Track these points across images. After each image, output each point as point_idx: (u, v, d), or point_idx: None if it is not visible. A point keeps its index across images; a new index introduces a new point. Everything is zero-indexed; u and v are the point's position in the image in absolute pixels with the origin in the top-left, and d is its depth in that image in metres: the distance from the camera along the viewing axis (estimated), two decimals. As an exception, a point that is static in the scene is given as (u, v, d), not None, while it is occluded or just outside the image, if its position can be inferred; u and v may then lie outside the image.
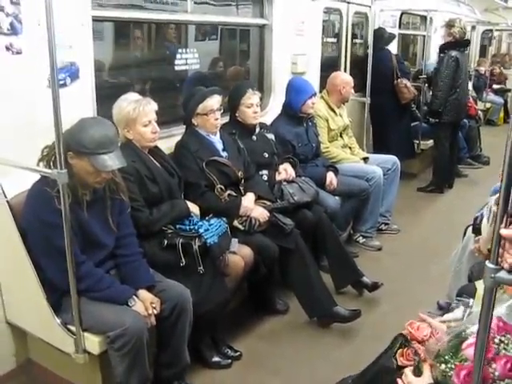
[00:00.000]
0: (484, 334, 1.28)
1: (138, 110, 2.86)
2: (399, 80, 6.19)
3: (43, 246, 2.39)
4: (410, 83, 6.60)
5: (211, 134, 3.37)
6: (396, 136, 6.21)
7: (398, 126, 6.35)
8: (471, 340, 1.48)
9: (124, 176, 2.70)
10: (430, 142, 6.77)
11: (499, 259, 1.22)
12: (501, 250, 1.22)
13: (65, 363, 2.61)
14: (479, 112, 8.48)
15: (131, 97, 2.94)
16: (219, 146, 3.40)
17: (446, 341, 1.58)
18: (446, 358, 1.53)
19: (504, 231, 1.21)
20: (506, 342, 1.47)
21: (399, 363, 1.86)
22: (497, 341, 1.46)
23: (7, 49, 2.53)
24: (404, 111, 6.46)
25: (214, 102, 3.30)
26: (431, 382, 1.58)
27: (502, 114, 11.01)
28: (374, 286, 3.73)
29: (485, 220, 2.63)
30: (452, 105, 6.00)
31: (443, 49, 6.06)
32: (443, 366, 1.52)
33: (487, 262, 1.22)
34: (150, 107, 2.92)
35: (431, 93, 6.38)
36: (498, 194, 1.39)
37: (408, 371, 1.70)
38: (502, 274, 1.21)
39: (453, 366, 1.51)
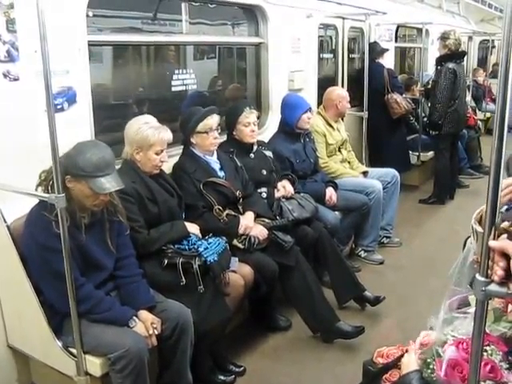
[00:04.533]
0: (478, 346, 1.28)
1: (157, 136, 2.89)
2: (390, 95, 6.18)
3: (43, 270, 2.40)
4: (407, 95, 6.63)
5: (207, 155, 3.39)
6: (390, 149, 6.19)
7: (392, 139, 6.33)
8: (450, 341, 1.50)
9: (124, 197, 2.73)
10: (430, 154, 6.80)
11: (489, 271, 1.22)
12: (490, 263, 1.22)
13: (67, 386, 2.61)
14: (479, 122, 8.50)
15: (152, 121, 2.96)
16: (216, 166, 3.42)
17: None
18: (429, 360, 1.55)
19: (492, 243, 1.21)
20: (489, 351, 1.48)
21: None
22: None
23: (4, 76, 2.57)
24: (398, 124, 6.45)
25: (214, 121, 3.34)
26: (416, 367, 1.59)
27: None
28: (377, 300, 3.72)
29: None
30: (451, 116, 6.03)
31: (440, 61, 6.10)
32: (429, 371, 1.54)
33: (477, 274, 1.22)
34: (167, 137, 2.96)
35: (429, 105, 6.41)
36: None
37: (406, 355, 1.72)
38: (493, 287, 1.20)
39: (434, 367, 1.53)
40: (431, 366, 1.54)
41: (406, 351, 1.84)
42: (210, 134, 3.32)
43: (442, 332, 1.63)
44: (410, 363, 1.63)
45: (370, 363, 1.99)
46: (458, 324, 1.69)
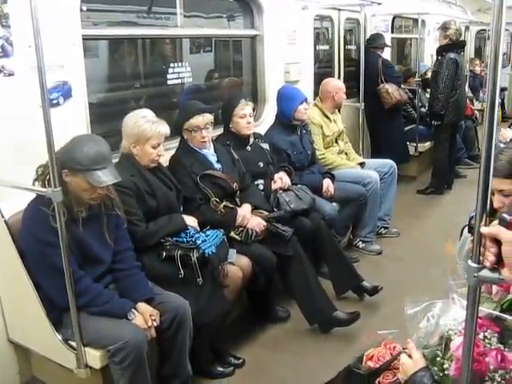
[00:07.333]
0: (471, 332, 1.29)
1: (153, 130, 2.89)
2: (381, 85, 6.12)
3: (41, 264, 2.42)
4: (405, 86, 6.61)
5: (203, 148, 3.38)
6: (389, 139, 6.15)
7: (390, 128, 6.30)
8: (459, 340, 1.49)
9: (122, 191, 2.74)
10: (428, 145, 6.80)
11: (481, 258, 1.23)
12: (482, 249, 1.24)
13: (68, 379, 2.63)
14: (476, 112, 8.50)
15: (149, 115, 2.96)
16: (213, 158, 3.42)
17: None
18: (438, 359, 1.55)
19: (484, 229, 1.22)
20: (488, 336, 1.49)
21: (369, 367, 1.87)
22: (481, 337, 1.49)
23: (-1, 71, 2.58)
24: (394, 114, 6.40)
25: (201, 120, 3.28)
26: (424, 365, 1.58)
27: (499, 113, 10.99)
28: (374, 290, 3.74)
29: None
30: (452, 106, 6.02)
31: (441, 51, 6.08)
32: (443, 371, 1.53)
33: (469, 261, 1.23)
34: (164, 131, 2.95)
35: (429, 95, 6.40)
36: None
37: (403, 355, 1.70)
38: (485, 273, 1.22)
39: (447, 366, 1.53)
40: (445, 366, 1.53)
41: (394, 348, 1.84)
42: (195, 133, 3.30)
43: (438, 325, 1.64)
44: (418, 361, 1.61)
45: (358, 366, 1.95)
46: (438, 310, 1.70)
